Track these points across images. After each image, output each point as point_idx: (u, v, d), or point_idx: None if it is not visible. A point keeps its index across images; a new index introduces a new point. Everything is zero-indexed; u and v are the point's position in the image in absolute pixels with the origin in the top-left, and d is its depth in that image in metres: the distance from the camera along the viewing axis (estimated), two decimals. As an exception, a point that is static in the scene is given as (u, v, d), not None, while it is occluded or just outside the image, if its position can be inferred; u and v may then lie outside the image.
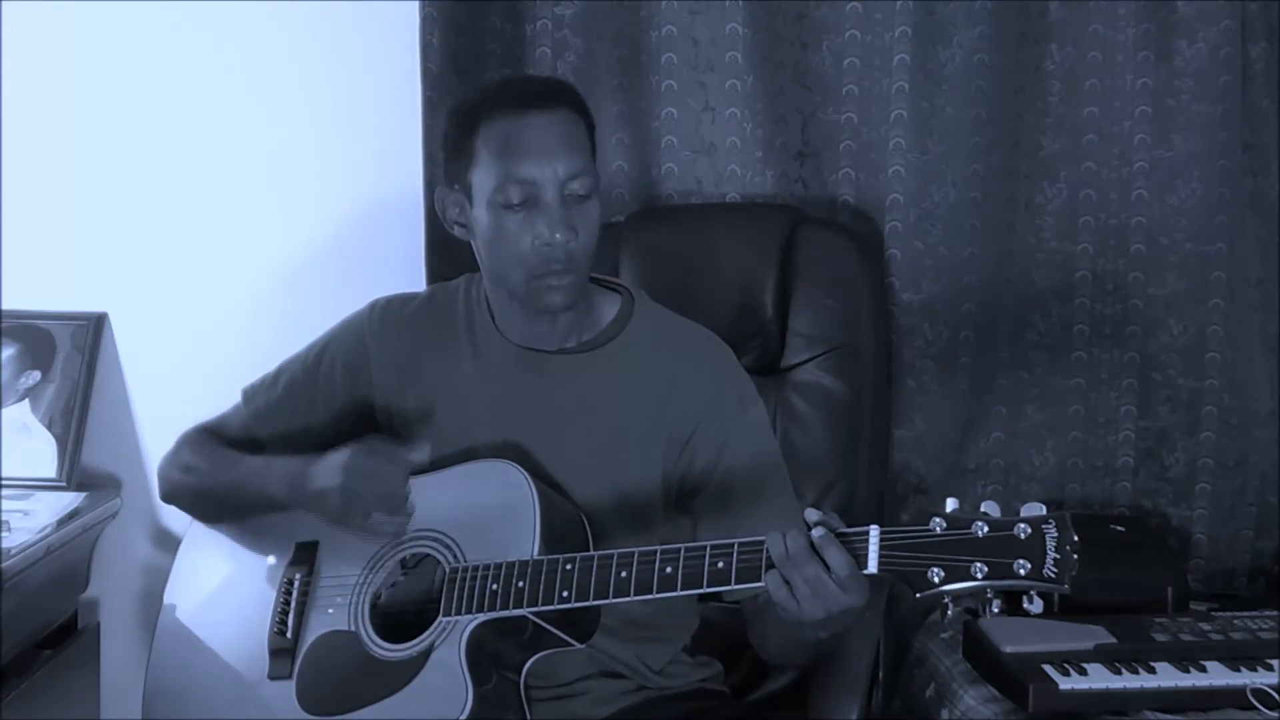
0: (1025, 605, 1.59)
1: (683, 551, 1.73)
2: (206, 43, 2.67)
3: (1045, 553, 1.57)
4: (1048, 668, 2.07)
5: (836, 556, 1.65)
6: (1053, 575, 1.57)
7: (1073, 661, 2.09)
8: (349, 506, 1.89)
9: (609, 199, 2.60)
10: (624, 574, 1.75)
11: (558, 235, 1.85)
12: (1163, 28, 2.56)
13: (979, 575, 1.58)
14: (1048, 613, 2.22)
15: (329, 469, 1.91)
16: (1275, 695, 2.01)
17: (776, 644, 1.93)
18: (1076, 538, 1.58)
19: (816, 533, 1.66)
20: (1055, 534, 1.58)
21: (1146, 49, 2.57)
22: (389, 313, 2.07)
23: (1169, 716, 2.03)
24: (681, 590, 1.72)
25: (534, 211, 1.86)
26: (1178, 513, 2.66)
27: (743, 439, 1.96)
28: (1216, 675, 2.06)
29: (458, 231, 1.96)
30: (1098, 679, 2.05)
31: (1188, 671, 2.07)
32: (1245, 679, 2.05)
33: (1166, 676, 2.06)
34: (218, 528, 2.10)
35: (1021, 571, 1.57)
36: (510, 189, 1.86)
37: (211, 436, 2.11)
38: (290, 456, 2.01)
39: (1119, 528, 2.53)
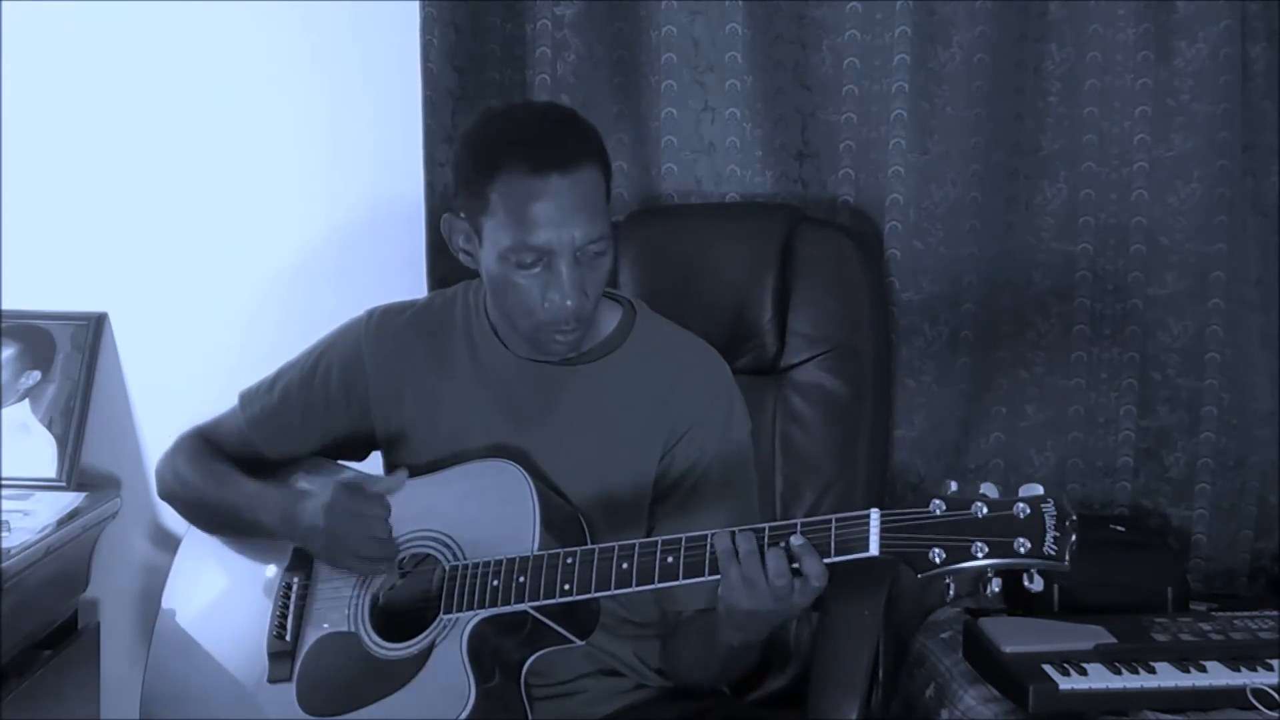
0: (1026, 584, 1.59)
1: (684, 541, 1.74)
2: (206, 43, 2.66)
3: (1045, 531, 1.58)
4: (1048, 668, 2.07)
5: (812, 565, 1.67)
6: (1053, 553, 1.57)
7: (1073, 661, 2.09)
8: (335, 547, 1.91)
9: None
10: (625, 565, 1.75)
11: (569, 302, 1.84)
12: (1163, 28, 2.56)
13: (980, 555, 1.59)
14: (1048, 613, 2.24)
15: (314, 509, 1.92)
16: (1275, 695, 2.01)
17: (694, 655, 1.94)
18: (1074, 516, 1.59)
19: (795, 540, 1.67)
20: (1054, 513, 1.59)
21: (1146, 49, 2.57)
22: (385, 321, 2.06)
23: (1169, 716, 2.03)
24: (684, 579, 1.73)
25: (547, 273, 1.84)
26: (1178, 513, 2.66)
27: (720, 460, 1.95)
28: (1216, 675, 2.06)
29: (463, 259, 1.94)
30: (1098, 679, 2.05)
31: (1188, 671, 2.07)
32: (1245, 679, 2.05)
33: (1166, 676, 2.06)
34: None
35: (1022, 550, 1.58)
36: (524, 253, 1.83)
37: (207, 445, 2.10)
38: (282, 487, 2.02)
39: (1119, 528, 2.53)
